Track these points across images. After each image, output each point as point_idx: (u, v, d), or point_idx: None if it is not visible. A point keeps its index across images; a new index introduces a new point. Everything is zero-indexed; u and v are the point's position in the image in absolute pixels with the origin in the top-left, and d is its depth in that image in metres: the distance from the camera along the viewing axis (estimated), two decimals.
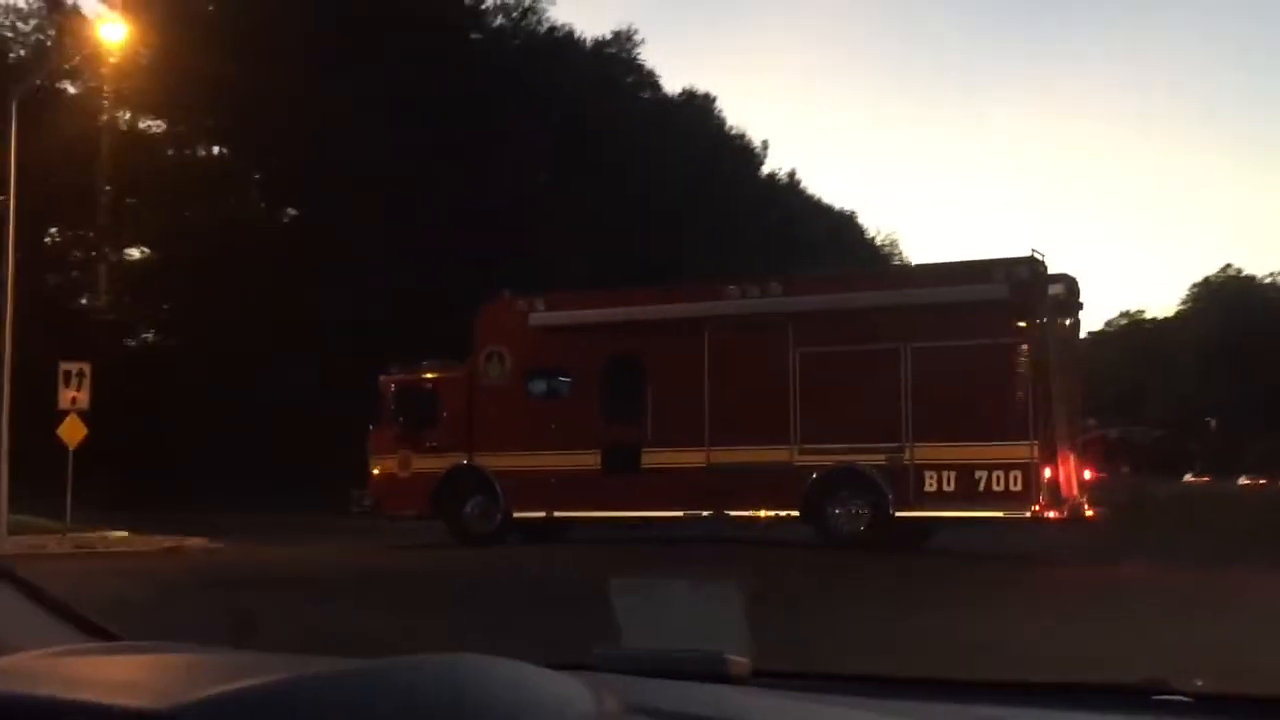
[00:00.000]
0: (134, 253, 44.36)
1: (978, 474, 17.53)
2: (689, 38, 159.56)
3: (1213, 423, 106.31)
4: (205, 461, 32.29)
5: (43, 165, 34.88)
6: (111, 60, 33.41)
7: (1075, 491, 18.54)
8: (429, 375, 21.40)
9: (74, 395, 20.90)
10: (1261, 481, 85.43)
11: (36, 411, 21.65)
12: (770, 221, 58.12)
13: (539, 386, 20.94)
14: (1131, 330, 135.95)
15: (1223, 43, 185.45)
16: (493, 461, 20.33)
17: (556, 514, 20.17)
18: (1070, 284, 19.12)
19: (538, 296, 20.82)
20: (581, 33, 55.86)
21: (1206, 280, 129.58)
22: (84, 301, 41.98)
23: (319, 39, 40.68)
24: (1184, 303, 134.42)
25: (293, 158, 42.26)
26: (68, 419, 21.01)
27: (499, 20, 51.49)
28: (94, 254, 42.29)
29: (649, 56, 59.79)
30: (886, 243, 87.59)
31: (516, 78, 45.19)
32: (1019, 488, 17.32)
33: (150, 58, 40.99)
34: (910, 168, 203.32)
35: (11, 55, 38.87)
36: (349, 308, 35.95)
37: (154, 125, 44.28)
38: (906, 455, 17.93)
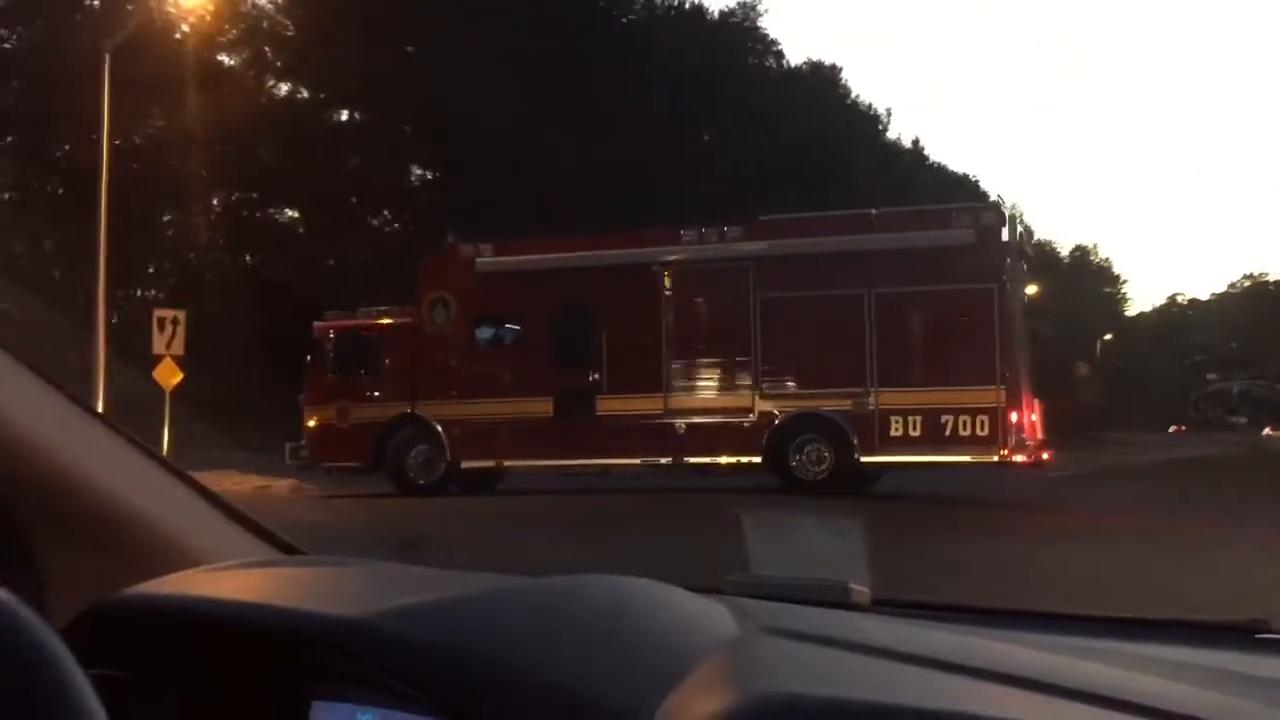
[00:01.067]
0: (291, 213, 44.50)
1: (944, 418, 16.65)
2: (816, 8, 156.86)
3: None
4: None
5: (210, 136, 35.73)
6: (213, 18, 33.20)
7: (1037, 435, 17.72)
8: (369, 322, 19.88)
9: (169, 340, 20.55)
10: None
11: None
12: (890, 184, 56.29)
13: (487, 333, 19.41)
14: (1256, 290, 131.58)
15: None
16: (438, 410, 18.86)
17: (507, 463, 18.87)
18: (1025, 232, 18.29)
19: (483, 243, 19.42)
20: (709, 4, 55.33)
21: None
22: (248, 259, 42.57)
23: (447, 6, 40.66)
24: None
25: (423, 121, 42.35)
26: (163, 362, 20.62)
27: None
28: (256, 215, 42.81)
29: (779, 28, 59.31)
30: (1010, 208, 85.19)
31: (641, 43, 44.79)
32: (985, 432, 16.50)
33: (295, 30, 42.04)
34: (1030, 130, 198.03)
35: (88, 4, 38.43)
36: None
37: (299, 91, 44.29)
38: (871, 400, 16.98)
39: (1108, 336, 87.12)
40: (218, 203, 41.31)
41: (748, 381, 17.58)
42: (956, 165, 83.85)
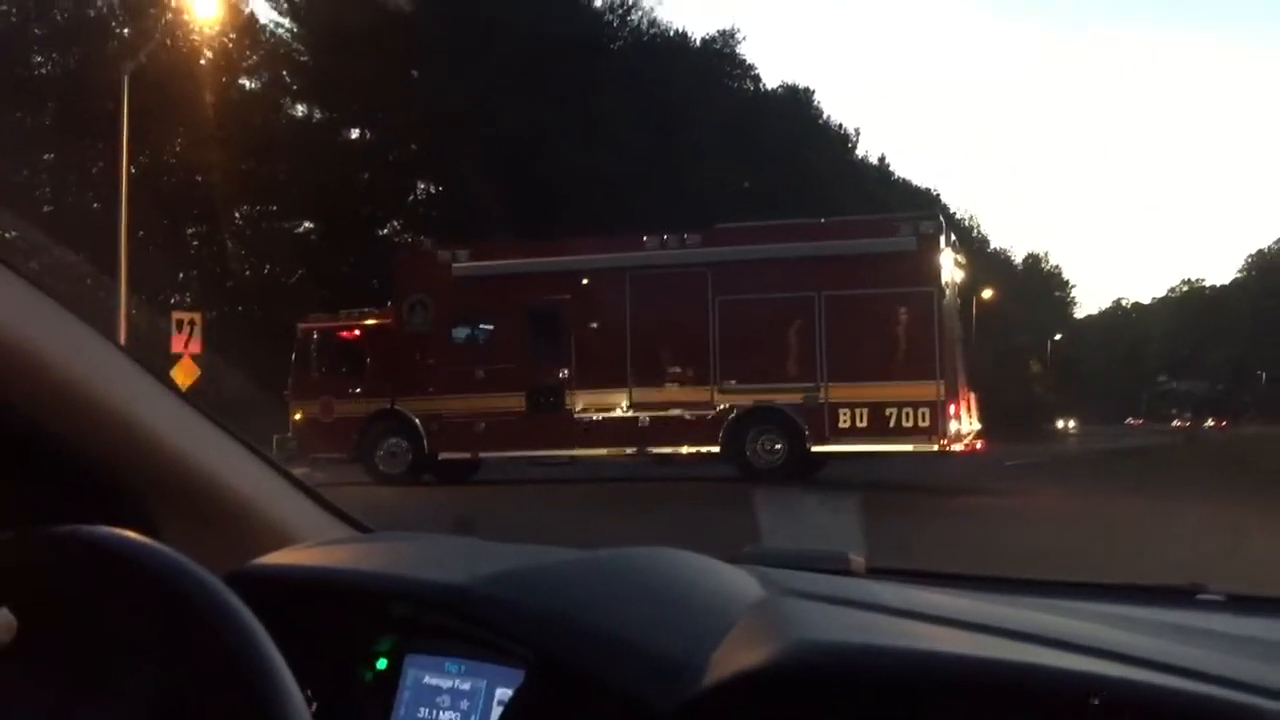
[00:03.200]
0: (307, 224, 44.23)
1: (888, 411, 16.81)
2: (789, 35, 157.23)
3: (1263, 376, 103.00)
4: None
5: (232, 155, 35.57)
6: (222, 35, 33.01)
7: (973, 426, 18.01)
8: (352, 323, 19.86)
9: (186, 340, 20.18)
10: None
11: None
12: (858, 199, 56.18)
13: (463, 333, 19.17)
14: (1192, 296, 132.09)
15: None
16: (417, 406, 18.79)
17: (482, 454, 18.81)
18: (956, 241, 18.42)
19: (460, 247, 19.42)
20: (691, 31, 55.35)
21: (1261, 252, 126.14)
22: (267, 270, 42.35)
23: (446, 38, 40.86)
24: (1240, 271, 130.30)
25: (425, 139, 42.07)
26: (181, 361, 20.23)
27: (608, 17, 50.57)
28: (269, 227, 42.57)
29: (756, 54, 59.60)
30: (967, 219, 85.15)
31: (630, 67, 44.79)
32: (927, 423, 16.67)
33: (309, 56, 41.91)
34: (986, 146, 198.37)
35: (117, 31, 38.09)
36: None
37: (314, 113, 44.10)
38: (821, 394, 17.09)
39: (1058, 336, 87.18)
40: (239, 215, 41.18)
41: (706, 378, 17.59)
42: (920, 180, 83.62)
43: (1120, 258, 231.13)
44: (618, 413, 17.90)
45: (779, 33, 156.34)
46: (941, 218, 17.60)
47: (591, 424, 17.94)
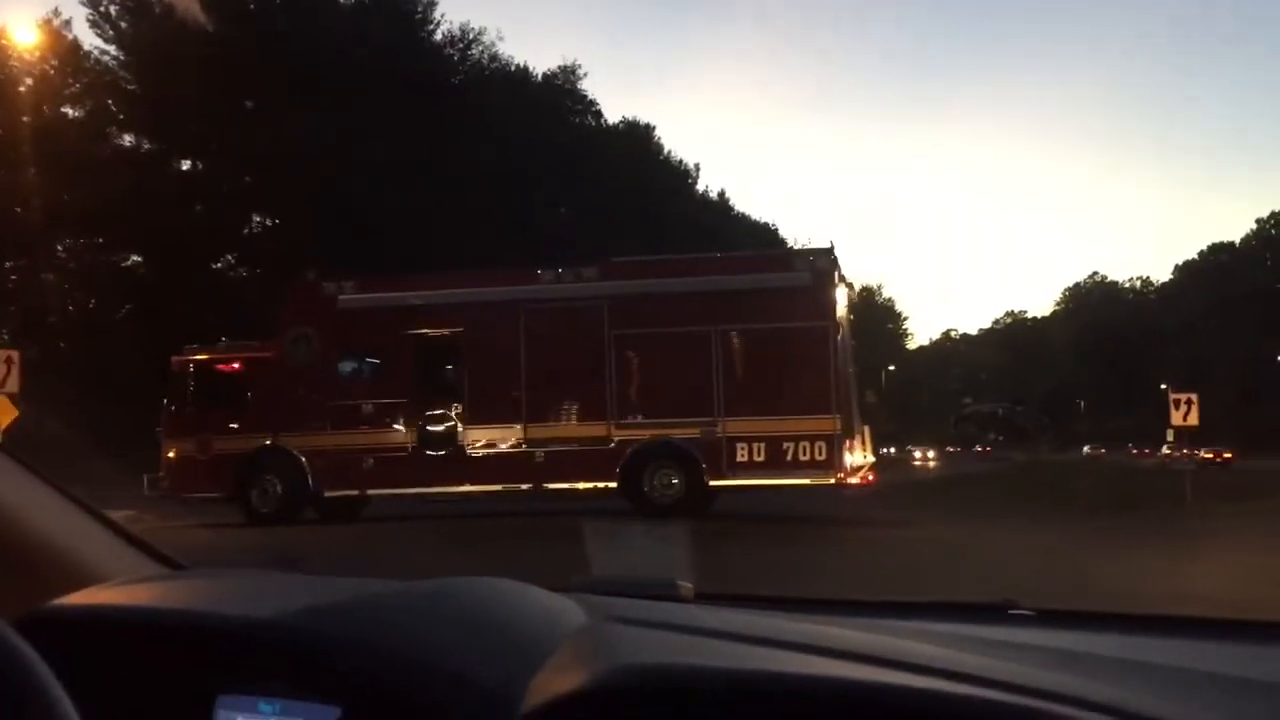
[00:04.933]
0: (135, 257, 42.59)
1: (785, 445, 16.67)
2: (633, 73, 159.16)
3: (1082, 404, 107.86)
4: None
5: (54, 184, 34.09)
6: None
7: (867, 458, 18.10)
8: (230, 356, 18.86)
9: (3, 379, 19.02)
10: (1101, 451, 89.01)
11: None
12: (700, 234, 56.97)
13: (349, 367, 18.49)
14: (1015, 327, 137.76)
15: (1096, 65, 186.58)
16: (300, 442, 17.96)
17: (370, 491, 18.06)
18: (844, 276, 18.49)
19: (345, 280, 18.67)
20: (534, 67, 55.49)
21: (1077, 285, 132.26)
22: (91, 305, 40.61)
23: (283, 69, 40.13)
24: (1058, 304, 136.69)
25: (260, 171, 41.06)
26: None
27: (449, 51, 50.18)
28: (94, 259, 40.87)
29: (595, 90, 59.86)
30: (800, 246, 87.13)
31: (470, 101, 44.59)
32: (823, 457, 16.56)
33: (137, 84, 40.54)
34: (823, 183, 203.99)
35: None
36: None
37: (142, 142, 42.58)
38: (719, 429, 16.89)
39: (891, 367, 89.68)
40: (61, 248, 39.48)
41: (603, 412, 17.30)
42: (758, 215, 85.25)
43: (951, 291, 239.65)
44: (512, 448, 17.49)
45: (620, 70, 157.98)
46: (835, 254, 17.53)
47: (484, 460, 17.49)
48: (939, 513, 19.53)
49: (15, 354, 19.44)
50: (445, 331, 17.77)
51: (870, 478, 17.87)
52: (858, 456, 17.35)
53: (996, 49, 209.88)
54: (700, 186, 70.33)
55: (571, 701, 1.18)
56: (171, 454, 18.51)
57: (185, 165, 44.06)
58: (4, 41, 34.65)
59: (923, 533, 15.38)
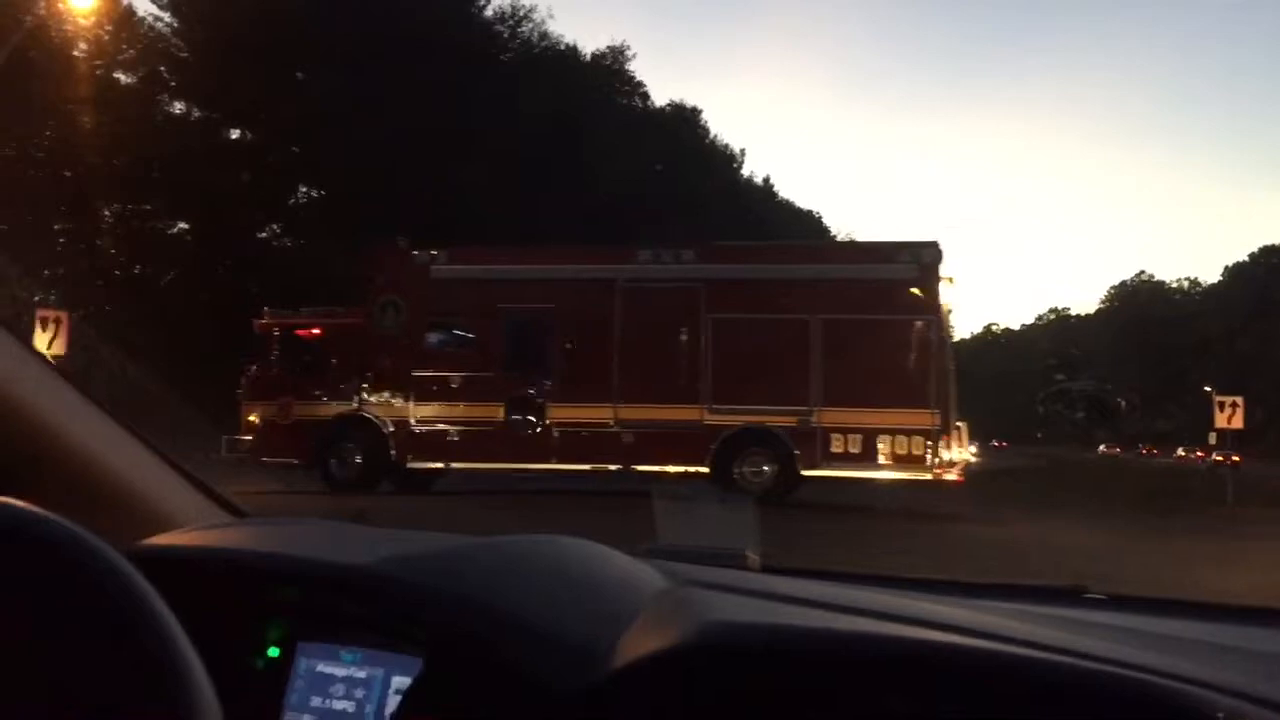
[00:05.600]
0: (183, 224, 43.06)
1: (881, 438, 16.56)
2: (681, 57, 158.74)
3: (1123, 404, 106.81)
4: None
5: (103, 149, 34.40)
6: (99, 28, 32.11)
7: (963, 455, 17.87)
8: (316, 321, 18.68)
9: (50, 340, 19.28)
10: (1116, 450, 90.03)
11: None
12: (745, 220, 56.85)
13: (439, 337, 18.26)
14: (1057, 324, 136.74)
15: (1150, 61, 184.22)
16: (385, 410, 17.88)
17: (454, 465, 17.89)
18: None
19: (440, 249, 18.49)
20: (582, 46, 55.46)
21: (1123, 284, 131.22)
22: (138, 270, 41.07)
23: (334, 41, 40.22)
24: (1103, 302, 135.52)
25: (307, 142, 41.47)
26: None
27: (499, 27, 50.40)
28: (142, 226, 41.29)
29: (643, 72, 59.99)
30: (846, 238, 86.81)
31: (520, 78, 44.66)
32: (920, 451, 16.46)
33: (189, 52, 40.85)
34: (868, 172, 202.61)
35: None
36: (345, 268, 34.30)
37: (192, 110, 42.93)
38: (814, 418, 16.74)
39: None
40: (109, 213, 39.88)
41: (696, 395, 17.14)
42: (803, 202, 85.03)
43: (993, 284, 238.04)
44: (601, 428, 17.31)
45: (669, 52, 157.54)
46: (941, 247, 17.35)
47: (572, 438, 17.36)
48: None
49: (64, 315, 19.77)
50: (538, 306, 17.60)
51: (961, 476, 17.59)
52: (954, 453, 17.13)
53: (1051, 41, 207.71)
54: (745, 172, 70.09)
55: (663, 660, 1.18)
56: (253, 417, 18.39)
57: (234, 134, 44.29)
58: (61, 5, 35.04)
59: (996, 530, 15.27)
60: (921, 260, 16.99)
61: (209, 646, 1.31)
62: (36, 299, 32.27)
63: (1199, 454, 33.06)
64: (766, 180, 74.34)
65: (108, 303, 37.70)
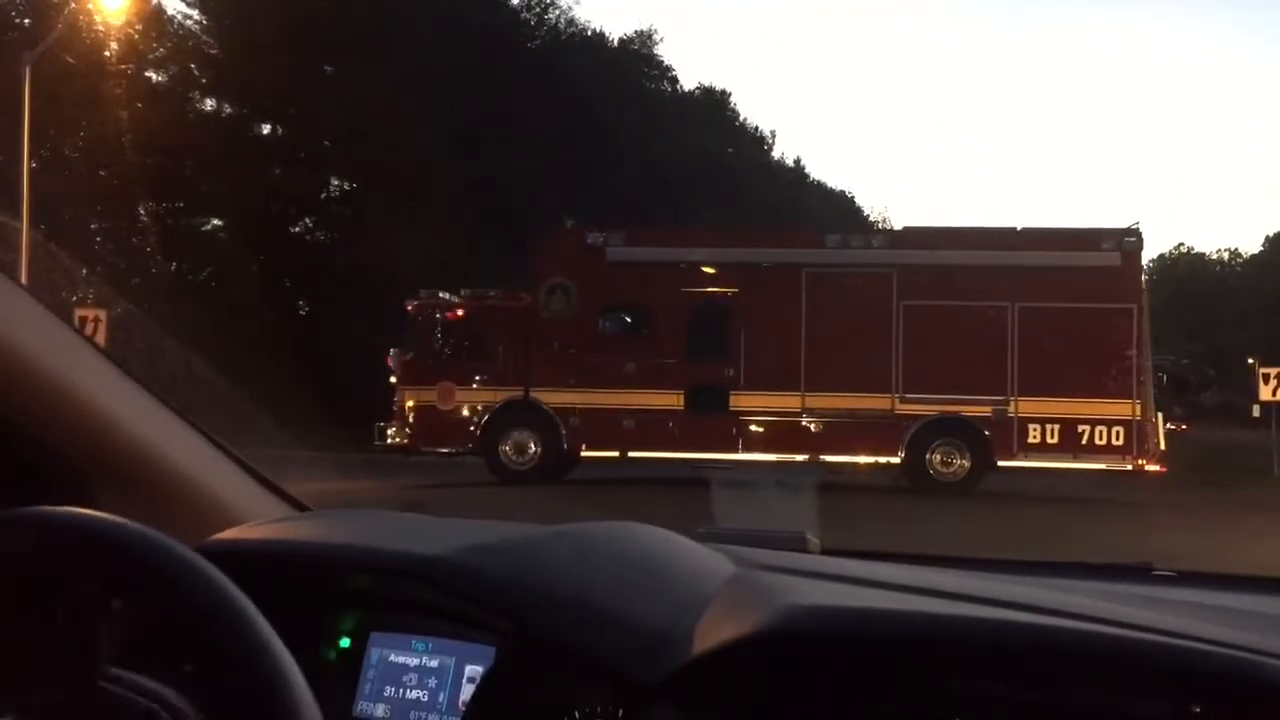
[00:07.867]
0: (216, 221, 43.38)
1: (1081, 428, 16.33)
2: (710, 39, 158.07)
3: (1164, 378, 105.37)
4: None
5: (138, 149, 34.72)
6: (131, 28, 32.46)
7: (1163, 445, 17.42)
8: (477, 303, 17.98)
9: (90, 337, 19.47)
10: (1183, 427, 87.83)
11: None
12: (776, 202, 56.61)
13: (613, 322, 17.74)
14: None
15: (1182, 33, 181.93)
16: (555, 397, 17.22)
17: (631, 454, 17.38)
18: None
19: (612, 230, 18.01)
20: (609, 31, 55.53)
21: (1162, 256, 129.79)
22: (174, 267, 41.44)
23: (364, 32, 40.15)
24: (1144, 274, 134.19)
25: (338, 136, 41.53)
26: None
27: (525, 15, 50.41)
28: (176, 223, 41.63)
29: (671, 56, 59.84)
30: (880, 219, 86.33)
31: (548, 64, 44.68)
32: (1121, 442, 16.27)
33: (219, 49, 41.14)
34: (899, 150, 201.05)
35: (19, 22, 37.15)
36: (380, 261, 34.29)
37: (223, 107, 43.23)
38: (1011, 408, 16.53)
39: None
40: (144, 211, 40.22)
41: (888, 384, 16.82)
42: (835, 183, 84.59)
43: None
44: (787, 417, 16.94)
45: (697, 35, 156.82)
46: (1142, 234, 17.05)
47: (757, 427, 17.02)
48: None
49: (103, 312, 20.05)
50: (720, 291, 17.29)
51: (1165, 466, 17.19)
52: (1155, 443, 16.83)
53: (1079, 18, 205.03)
54: (776, 154, 69.78)
55: (746, 645, 1.17)
56: (410, 403, 17.75)
57: (265, 130, 44.52)
58: (90, 6, 35.34)
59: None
60: (1125, 247, 16.71)
61: (283, 640, 1.33)
62: (75, 299, 32.79)
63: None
64: (798, 161, 73.93)
65: (144, 301, 38.12)
